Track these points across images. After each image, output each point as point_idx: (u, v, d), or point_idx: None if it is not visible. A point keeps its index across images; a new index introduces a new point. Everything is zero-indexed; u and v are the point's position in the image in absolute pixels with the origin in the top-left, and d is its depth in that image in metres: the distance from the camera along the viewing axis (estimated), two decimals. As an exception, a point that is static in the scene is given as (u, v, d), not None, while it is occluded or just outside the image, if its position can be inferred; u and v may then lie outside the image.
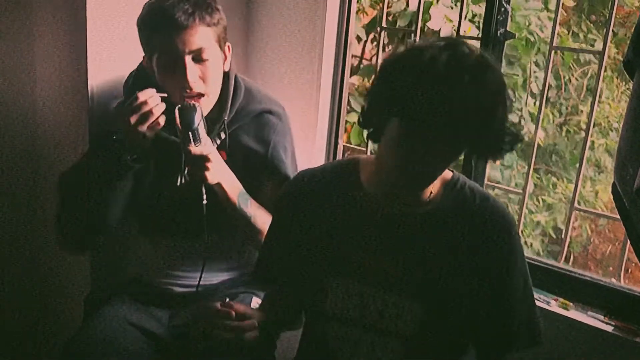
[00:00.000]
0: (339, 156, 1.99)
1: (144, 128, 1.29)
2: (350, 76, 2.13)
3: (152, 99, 1.30)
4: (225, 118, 1.43)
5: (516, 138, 1.08)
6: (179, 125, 1.29)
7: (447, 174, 1.19)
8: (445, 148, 1.04)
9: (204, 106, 1.37)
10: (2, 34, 1.70)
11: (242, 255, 1.57)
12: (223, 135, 1.44)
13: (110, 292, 1.53)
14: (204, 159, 1.30)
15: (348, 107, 2.26)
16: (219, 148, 1.43)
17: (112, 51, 1.59)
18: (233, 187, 1.39)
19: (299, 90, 1.90)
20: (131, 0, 1.59)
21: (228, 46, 1.43)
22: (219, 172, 1.34)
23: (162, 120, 1.32)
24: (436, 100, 0.96)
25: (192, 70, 1.33)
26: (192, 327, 1.42)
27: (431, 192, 1.15)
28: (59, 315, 1.92)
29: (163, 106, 1.31)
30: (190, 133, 1.28)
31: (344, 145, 2.00)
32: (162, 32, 1.31)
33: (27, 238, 1.88)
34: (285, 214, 1.26)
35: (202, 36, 1.32)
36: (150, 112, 1.29)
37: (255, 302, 1.44)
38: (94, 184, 1.37)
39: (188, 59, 1.32)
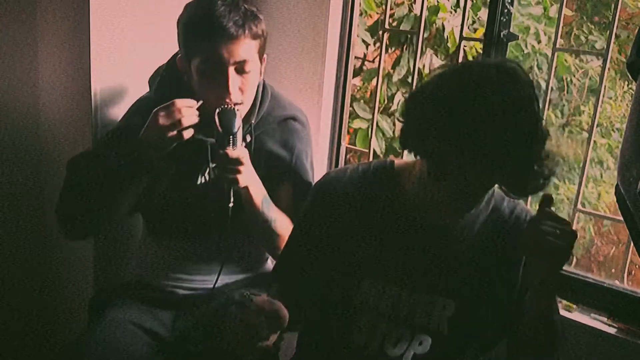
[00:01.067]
0: (342, 158, 1.99)
1: (173, 134, 1.30)
2: (353, 77, 2.14)
3: (189, 110, 1.30)
4: (253, 122, 1.44)
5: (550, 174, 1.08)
6: (219, 128, 1.29)
7: None
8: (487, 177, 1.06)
9: (241, 113, 1.37)
10: (5, 32, 1.70)
11: (252, 257, 1.58)
12: (249, 138, 1.45)
13: (114, 294, 1.53)
14: (238, 162, 1.31)
15: (351, 110, 2.26)
16: None
17: (115, 48, 1.60)
18: (259, 191, 1.40)
19: (301, 91, 1.90)
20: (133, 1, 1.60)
21: (264, 58, 1.43)
22: (249, 176, 1.35)
23: (192, 131, 1.32)
24: (488, 134, 0.97)
25: (234, 81, 1.34)
26: (198, 329, 1.43)
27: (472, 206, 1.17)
28: (59, 315, 1.92)
29: (197, 119, 1.32)
30: (230, 137, 1.29)
31: (346, 147, 2.00)
32: (209, 39, 1.31)
33: (27, 239, 1.88)
34: (315, 217, 1.25)
35: (247, 48, 1.33)
36: (182, 121, 1.29)
37: None
38: (107, 175, 1.36)
39: (231, 69, 1.33)
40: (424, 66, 3.18)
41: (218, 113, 1.30)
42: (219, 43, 1.30)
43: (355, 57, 3.29)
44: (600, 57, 1.55)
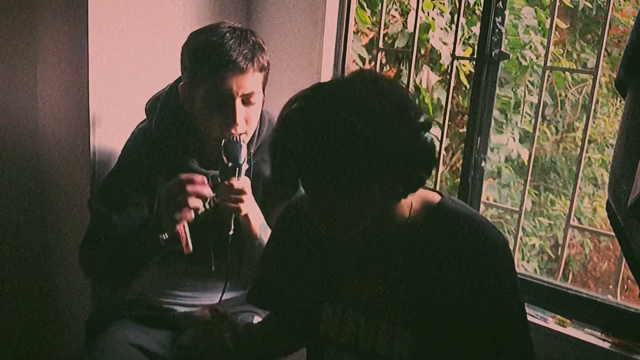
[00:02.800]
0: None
1: (186, 212, 1.30)
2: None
3: (202, 187, 1.30)
4: (252, 150, 1.46)
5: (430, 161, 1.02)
6: (225, 160, 1.31)
7: (434, 197, 1.12)
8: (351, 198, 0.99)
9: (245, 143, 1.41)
10: (4, 35, 1.72)
11: (248, 276, 1.58)
12: (247, 166, 1.46)
13: (112, 314, 1.54)
14: (242, 192, 1.33)
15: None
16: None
17: (115, 48, 1.62)
18: (257, 218, 1.42)
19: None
20: (133, 3, 1.63)
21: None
22: (250, 204, 1.37)
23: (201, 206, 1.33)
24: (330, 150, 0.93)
25: (241, 112, 1.35)
26: (196, 349, 1.43)
27: (408, 219, 1.09)
28: (59, 315, 1.92)
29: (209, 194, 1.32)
30: (236, 168, 1.31)
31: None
32: (217, 71, 1.32)
33: (28, 240, 1.88)
34: (279, 239, 1.26)
35: (254, 81, 1.36)
36: (195, 198, 1.30)
37: (257, 320, 1.45)
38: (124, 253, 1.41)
39: (238, 101, 1.35)
40: (421, 81, 3.22)
41: (223, 145, 1.31)
42: (227, 75, 1.32)
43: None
44: (592, 75, 1.57)
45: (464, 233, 1.07)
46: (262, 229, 1.42)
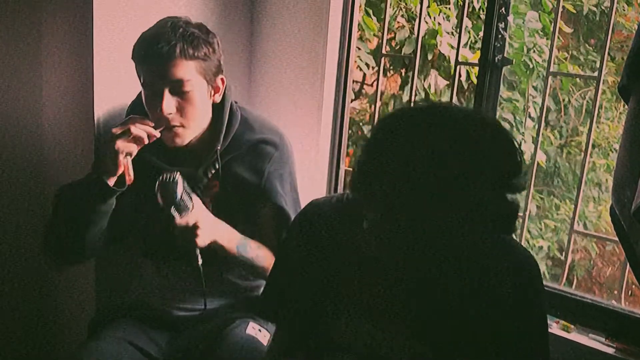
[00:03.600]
0: (341, 181, 2.01)
1: (122, 150, 1.30)
2: (352, 101, 2.17)
3: (137, 126, 1.31)
4: (218, 148, 1.44)
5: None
6: (161, 202, 1.28)
7: None
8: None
9: (184, 137, 1.39)
10: (7, 34, 1.72)
11: (242, 282, 1.59)
12: (217, 166, 1.46)
13: (113, 313, 1.54)
14: (193, 228, 1.31)
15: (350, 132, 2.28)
16: (212, 178, 1.45)
17: (118, 52, 1.61)
18: (230, 238, 1.40)
19: (300, 116, 1.93)
20: (136, 7, 1.63)
21: (222, 79, 1.44)
22: (212, 230, 1.35)
23: (137, 148, 1.33)
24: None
25: (169, 101, 1.34)
26: (192, 351, 1.43)
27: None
28: (59, 315, 1.92)
29: (142, 134, 1.32)
30: (174, 207, 1.28)
31: (345, 170, 2.02)
32: (145, 62, 1.34)
33: (28, 240, 1.87)
34: (294, 249, 1.20)
35: (184, 69, 1.34)
36: (132, 137, 1.31)
37: (251, 327, 1.44)
38: (77, 204, 1.38)
39: (166, 90, 1.34)
40: (429, 86, 3.23)
41: (157, 186, 1.28)
42: (152, 64, 1.33)
43: (354, 81, 3.34)
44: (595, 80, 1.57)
45: (499, 255, 1.06)
46: (240, 248, 1.41)
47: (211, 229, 1.35)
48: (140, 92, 1.46)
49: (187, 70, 1.35)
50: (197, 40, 1.35)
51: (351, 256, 1.11)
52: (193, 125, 1.40)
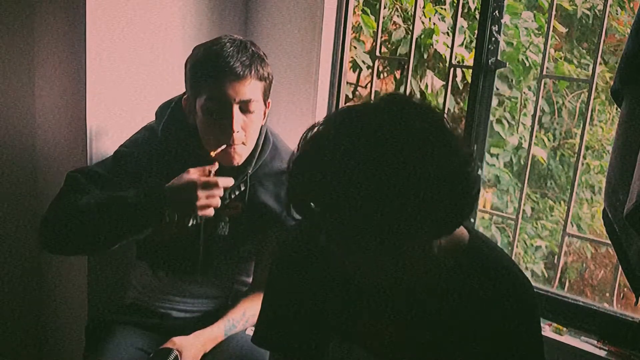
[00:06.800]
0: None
1: (203, 208, 1.31)
2: (345, 102, 2.17)
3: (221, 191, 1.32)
4: (249, 172, 1.46)
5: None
6: None
7: (463, 235, 1.02)
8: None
9: (242, 156, 1.41)
10: (0, 36, 1.71)
11: (242, 288, 1.59)
12: (243, 187, 1.47)
13: (113, 317, 1.53)
14: None
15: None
16: (236, 199, 1.46)
17: (112, 53, 1.62)
18: (216, 336, 1.42)
19: (294, 117, 1.92)
20: (129, 9, 1.62)
21: (269, 102, 1.46)
22: (196, 352, 1.36)
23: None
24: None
25: (238, 118, 1.36)
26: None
27: (437, 259, 0.98)
28: (59, 315, 1.92)
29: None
30: None
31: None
32: (216, 78, 1.34)
33: (28, 240, 1.87)
34: (280, 279, 1.16)
35: (252, 88, 1.36)
36: (214, 198, 1.32)
37: (250, 331, 1.44)
38: (108, 213, 1.33)
39: (236, 107, 1.35)
40: (426, 86, 3.23)
41: (150, 358, 1.32)
42: (225, 81, 1.33)
43: (349, 83, 3.33)
44: (588, 83, 1.58)
45: (492, 283, 0.99)
46: (227, 331, 1.43)
47: (196, 348, 1.37)
48: (176, 104, 1.46)
49: (256, 91, 1.37)
50: (264, 62, 1.39)
51: (330, 278, 1.07)
52: (249, 146, 1.43)
